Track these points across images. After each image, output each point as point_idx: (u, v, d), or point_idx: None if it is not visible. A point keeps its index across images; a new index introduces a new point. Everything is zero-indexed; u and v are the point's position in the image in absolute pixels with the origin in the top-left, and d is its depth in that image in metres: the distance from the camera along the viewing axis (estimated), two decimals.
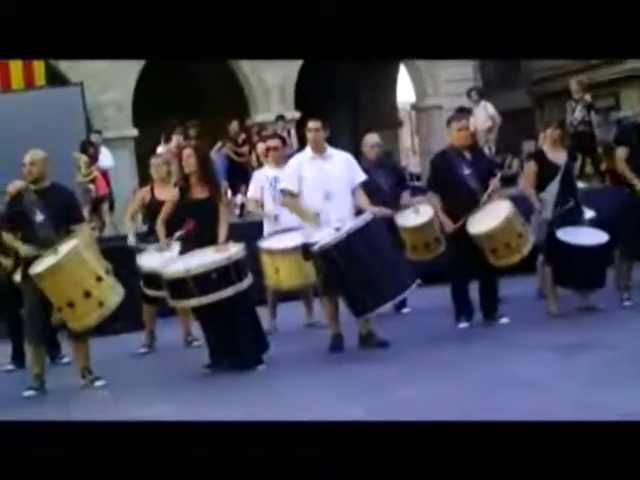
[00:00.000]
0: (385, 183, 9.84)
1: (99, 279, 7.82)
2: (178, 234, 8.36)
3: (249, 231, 9.99)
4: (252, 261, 8.55)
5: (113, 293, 7.93)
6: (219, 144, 17.76)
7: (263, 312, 9.16)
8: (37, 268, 7.73)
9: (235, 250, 7.90)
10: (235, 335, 7.97)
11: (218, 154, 17.24)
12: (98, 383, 8.04)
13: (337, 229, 7.92)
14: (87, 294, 7.75)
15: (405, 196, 10.25)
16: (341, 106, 26.18)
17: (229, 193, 16.29)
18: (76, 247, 7.75)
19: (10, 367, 9.46)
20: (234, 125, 17.85)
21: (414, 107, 25.34)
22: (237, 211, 16.21)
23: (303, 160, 8.47)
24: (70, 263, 7.71)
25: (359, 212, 8.34)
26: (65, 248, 7.75)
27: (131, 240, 9.39)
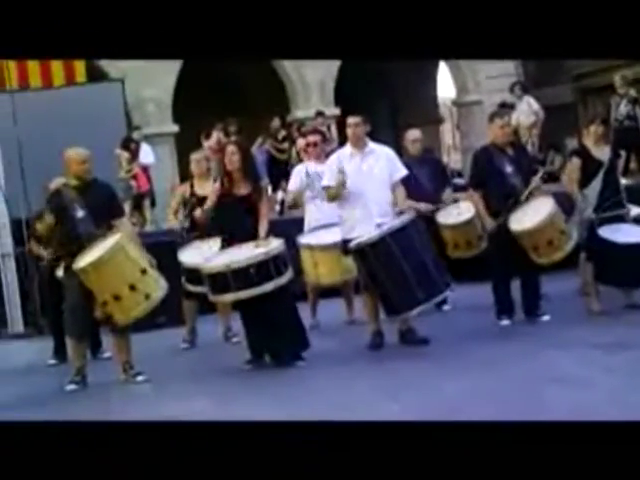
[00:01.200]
0: (426, 179, 9.80)
1: (144, 272, 7.86)
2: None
3: (289, 228, 9.98)
4: (293, 258, 8.55)
5: (157, 286, 7.96)
6: (260, 140, 17.80)
7: (306, 309, 9.19)
8: (81, 263, 7.77)
9: (275, 245, 7.92)
10: (274, 330, 7.98)
11: (259, 150, 17.28)
12: (139, 378, 8.08)
13: (378, 226, 7.92)
14: (132, 287, 7.78)
15: (446, 192, 10.22)
16: (381, 102, 26.10)
17: (269, 190, 16.30)
18: (120, 241, 7.78)
19: (52, 361, 9.53)
20: (276, 122, 17.89)
21: (455, 103, 25.21)
22: (277, 208, 16.22)
23: (344, 156, 8.44)
24: (114, 257, 7.73)
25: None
26: (108, 242, 7.79)
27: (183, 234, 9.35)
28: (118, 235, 7.86)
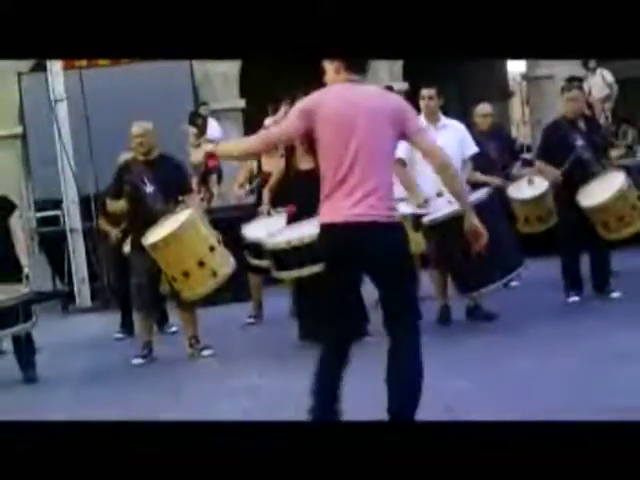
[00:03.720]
0: (495, 154, 9.68)
1: (212, 249, 7.86)
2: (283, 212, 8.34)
3: None
4: None
5: (225, 263, 7.97)
6: None
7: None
8: (151, 238, 7.79)
9: None
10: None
11: None
12: (205, 352, 8.11)
13: (450, 203, 7.82)
14: (201, 263, 7.79)
15: (516, 167, 10.09)
16: (449, 77, 25.84)
17: None
18: (191, 217, 7.80)
19: (119, 335, 9.62)
20: None
21: (524, 77, 24.87)
22: None
23: None
24: (185, 233, 7.75)
25: (471, 184, 8.24)
26: (180, 218, 7.80)
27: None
28: (190, 211, 7.87)
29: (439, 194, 7.87)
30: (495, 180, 9.19)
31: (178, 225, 7.71)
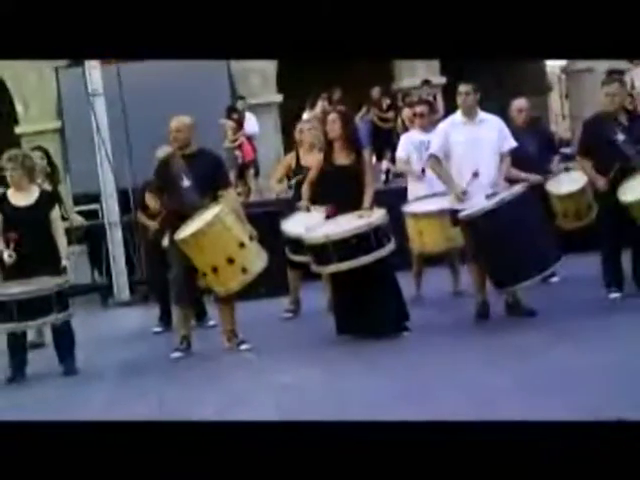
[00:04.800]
0: (534, 149, 9.60)
1: (242, 245, 7.85)
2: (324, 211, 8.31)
3: (394, 198, 9.91)
4: (396, 228, 8.48)
5: (257, 259, 7.95)
6: (363, 110, 17.70)
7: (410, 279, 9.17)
8: (182, 234, 7.82)
9: (377, 216, 7.84)
10: (376, 302, 7.92)
11: (363, 120, 17.19)
12: (243, 346, 8.12)
13: (487, 197, 7.79)
14: (230, 260, 7.79)
15: (554, 162, 10.01)
16: (486, 71, 25.70)
17: (374, 159, 16.22)
18: (219, 214, 7.79)
19: (158, 329, 9.65)
20: (376, 91, 17.76)
21: (564, 70, 24.70)
22: (382, 177, 16.13)
23: (453, 125, 8.29)
24: (213, 229, 7.75)
25: (509, 180, 8.18)
26: (209, 214, 7.81)
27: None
28: (218, 207, 7.86)
29: (475, 174, 7.86)
30: (534, 177, 9.11)
31: (206, 222, 7.72)
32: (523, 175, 8.90)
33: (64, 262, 7.96)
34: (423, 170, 9.30)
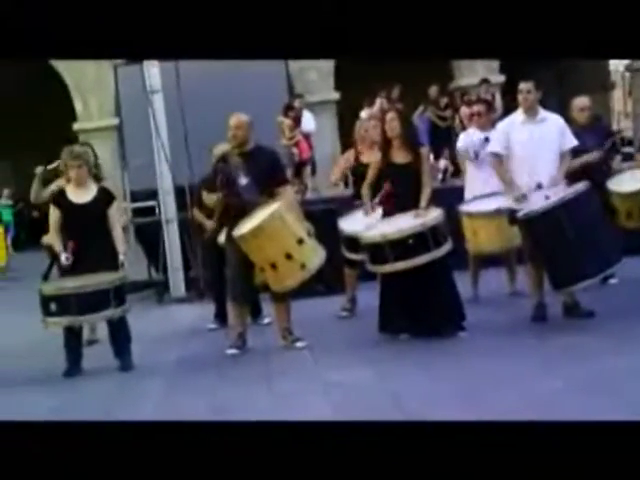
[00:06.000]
0: (595, 148, 9.47)
1: (300, 241, 7.85)
2: (377, 199, 8.30)
3: (451, 196, 9.85)
4: (453, 227, 8.42)
5: (314, 256, 7.94)
6: (421, 108, 17.63)
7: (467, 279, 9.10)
8: (240, 230, 7.83)
9: (434, 216, 7.79)
10: (433, 302, 7.87)
11: (421, 118, 17.12)
12: (299, 344, 8.11)
13: (547, 197, 7.69)
14: (288, 256, 7.79)
15: (616, 161, 9.87)
16: (546, 69, 25.47)
17: (431, 157, 16.13)
18: (278, 209, 7.79)
19: (213, 326, 9.67)
20: (433, 89, 17.68)
21: (628, 68, 24.41)
22: (440, 176, 16.04)
23: (514, 123, 8.21)
24: (272, 225, 7.75)
25: (569, 179, 8.08)
26: (267, 211, 7.82)
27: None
28: (277, 204, 7.87)
29: (539, 185, 7.77)
30: (592, 156, 8.97)
31: (264, 218, 7.72)
32: (582, 160, 8.78)
33: (121, 258, 8.03)
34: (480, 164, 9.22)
